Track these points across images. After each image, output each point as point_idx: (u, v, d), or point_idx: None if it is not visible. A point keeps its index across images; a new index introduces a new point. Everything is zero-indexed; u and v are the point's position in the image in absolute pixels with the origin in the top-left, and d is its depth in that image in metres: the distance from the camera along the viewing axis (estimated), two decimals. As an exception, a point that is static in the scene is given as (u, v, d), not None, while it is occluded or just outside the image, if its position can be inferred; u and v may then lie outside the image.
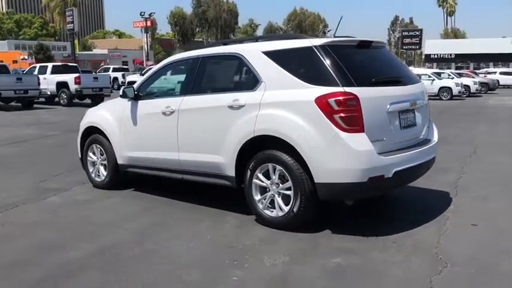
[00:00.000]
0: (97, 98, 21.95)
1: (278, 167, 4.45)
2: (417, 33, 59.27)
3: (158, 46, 74.10)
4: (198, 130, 5.10)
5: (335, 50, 4.38)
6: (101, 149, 6.32)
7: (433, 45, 61.47)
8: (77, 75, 21.30)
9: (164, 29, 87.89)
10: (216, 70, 5.49)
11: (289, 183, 4.39)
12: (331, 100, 4.10)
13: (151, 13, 54.06)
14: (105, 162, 6.27)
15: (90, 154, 6.48)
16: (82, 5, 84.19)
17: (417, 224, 4.61)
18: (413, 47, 59.71)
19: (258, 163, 4.60)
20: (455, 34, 76.29)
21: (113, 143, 6.09)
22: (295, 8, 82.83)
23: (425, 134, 4.96)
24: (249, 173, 4.69)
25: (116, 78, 34.49)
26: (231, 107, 4.77)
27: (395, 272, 3.59)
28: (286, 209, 4.44)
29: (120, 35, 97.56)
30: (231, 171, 4.82)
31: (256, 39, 5.17)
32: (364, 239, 4.25)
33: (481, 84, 31.61)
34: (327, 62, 4.29)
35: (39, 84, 20.33)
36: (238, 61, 4.99)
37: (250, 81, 4.78)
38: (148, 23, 58.75)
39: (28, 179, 7.00)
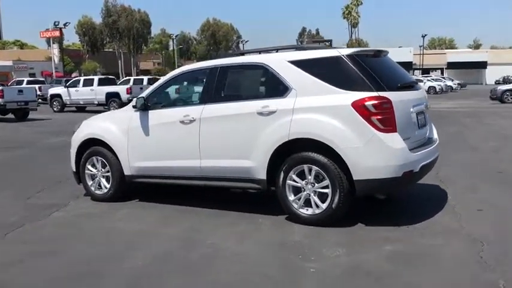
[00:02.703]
0: (21, 113, 20.74)
1: (314, 168, 4.78)
2: (327, 43, 62.29)
3: (67, 57, 70.66)
4: (224, 137, 5.28)
5: (361, 59, 4.84)
6: (102, 161, 6.22)
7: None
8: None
9: (71, 39, 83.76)
10: (239, 79, 5.72)
11: (326, 182, 4.74)
12: (369, 104, 4.54)
13: (66, 23, 51.62)
14: (109, 174, 6.18)
15: (89, 167, 6.35)
16: (-23, 13, 77.97)
17: (431, 212, 5.17)
18: (324, 56, 62.57)
19: (293, 165, 4.90)
20: (360, 44, 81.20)
21: (119, 154, 6.04)
22: (208, 18, 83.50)
23: (429, 133, 5.57)
24: (282, 174, 4.96)
25: (31, 91, 32.49)
26: (260, 114, 5.02)
27: (445, 252, 4.09)
28: (324, 206, 4.78)
29: (21, 45, 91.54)
30: (261, 175, 5.06)
31: (277, 50, 5.48)
32: (397, 228, 4.72)
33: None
34: (358, 70, 4.73)
35: (-44, 98, 18.80)
36: (262, 70, 5.26)
37: (279, 89, 5.08)
38: (57, 33, 56.03)
39: (10, 198, 6.66)
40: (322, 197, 4.82)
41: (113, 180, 6.16)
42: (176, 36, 70.48)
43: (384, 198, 5.14)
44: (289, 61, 5.06)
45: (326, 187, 4.76)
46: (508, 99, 27.21)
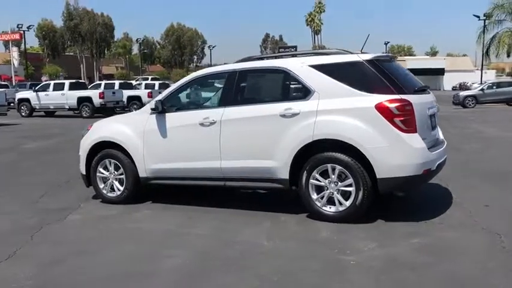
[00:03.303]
0: (-11, 118, 20.13)
1: (338, 167, 5.01)
2: (292, 50, 63.08)
3: (26, 61, 68.58)
4: (246, 138, 5.43)
5: (380, 64, 5.13)
6: (116, 164, 6.25)
7: (306, 61, 65.75)
8: (-32, 92, 19.27)
9: (29, 42, 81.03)
10: (259, 83, 5.90)
11: (349, 181, 4.97)
12: (392, 106, 4.81)
13: (30, 25, 50.16)
14: (122, 176, 6.21)
15: (101, 169, 6.36)
16: None
17: (442, 209, 5.49)
18: (290, 62, 63.57)
19: (316, 164, 5.11)
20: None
21: (134, 157, 6.08)
22: (172, 23, 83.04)
23: (437, 135, 5.90)
24: (305, 174, 5.16)
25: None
26: (283, 116, 5.22)
27: (468, 244, 4.40)
28: (347, 203, 5.01)
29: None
30: (284, 174, 5.25)
31: (295, 54, 5.69)
32: (416, 223, 5.01)
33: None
34: (379, 74, 5.02)
35: None
36: (283, 74, 5.46)
37: (301, 92, 5.29)
38: (17, 36, 54.33)
39: (14, 202, 6.55)
40: (345, 195, 5.06)
41: (127, 182, 6.19)
42: (143, 40, 69.65)
43: (402, 195, 5.44)
44: (310, 65, 5.28)
45: (349, 185, 4.99)
46: (470, 104, 28.55)
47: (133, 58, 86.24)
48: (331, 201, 5.13)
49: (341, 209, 5.06)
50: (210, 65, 69.35)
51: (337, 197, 5.08)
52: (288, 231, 4.95)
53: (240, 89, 5.67)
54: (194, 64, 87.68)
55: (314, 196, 5.18)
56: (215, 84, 6.35)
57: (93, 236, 5.03)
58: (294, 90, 5.42)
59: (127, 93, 25.98)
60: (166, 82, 32.36)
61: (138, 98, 26.19)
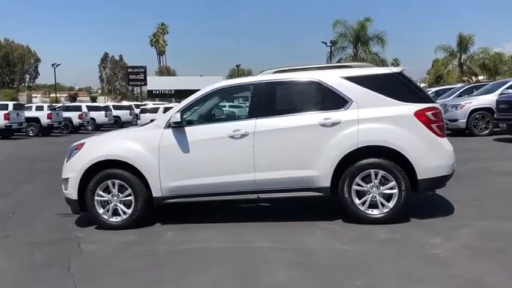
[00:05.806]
0: None
1: (381, 172, 5.33)
2: (141, 70, 61.86)
3: None
4: (284, 149, 5.43)
5: (407, 76, 5.63)
6: (121, 185, 5.63)
7: (153, 82, 64.42)
8: None
9: None
10: (291, 94, 5.91)
11: (392, 183, 5.32)
12: (429, 113, 5.33)
13: None
14: (130, 198, 5.63)
15: (100, 192, 5.66)
16: None
17: (447, 205, 6.07)
18: (139, 83, 62.20)
19: (359, 170, 5.35)
20: (168, 71, 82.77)
21: (147, 175, 5.57)
22: (-2, 38, 74.01)
23: None
24: (347, 180, 5.36)
25: None
26: (323, 125, 5.37)
27: (507, 228, 5.05)
28: (390, 205, 5.34)
29: None
30: (325, 182, 5.39)
31: (322, 67, 5.89)
32: (445, 218, 5.56)
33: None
34: (410, 84, 5.53)
35: None
36: (315, 86, 5.62)
37: (337, 102, 5.49)
38: None
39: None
40: (384, 197, 5.38)
41: (137, 204, 5.63)
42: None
43: (432, 193, 6.01)
44: (343, 77, 5.54)
45: (391, 188, 5.33)
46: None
47: None
48: (372, 204, 5.41)
49: (385, 210, 5.37)
50: (55, 84, 63.90)
51: (380, 199, 5.37)
52: (348, 236, 5.07)
53: (271, 100, 5.66)
54: (26, 84, 79.56)
55: (356, 201, 5.40)
56: (237, 97, 6.17)
57: (148, 263, 4.49)
58: (329, 100, 5.57)
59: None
60: (21, 103, 29.06)
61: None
